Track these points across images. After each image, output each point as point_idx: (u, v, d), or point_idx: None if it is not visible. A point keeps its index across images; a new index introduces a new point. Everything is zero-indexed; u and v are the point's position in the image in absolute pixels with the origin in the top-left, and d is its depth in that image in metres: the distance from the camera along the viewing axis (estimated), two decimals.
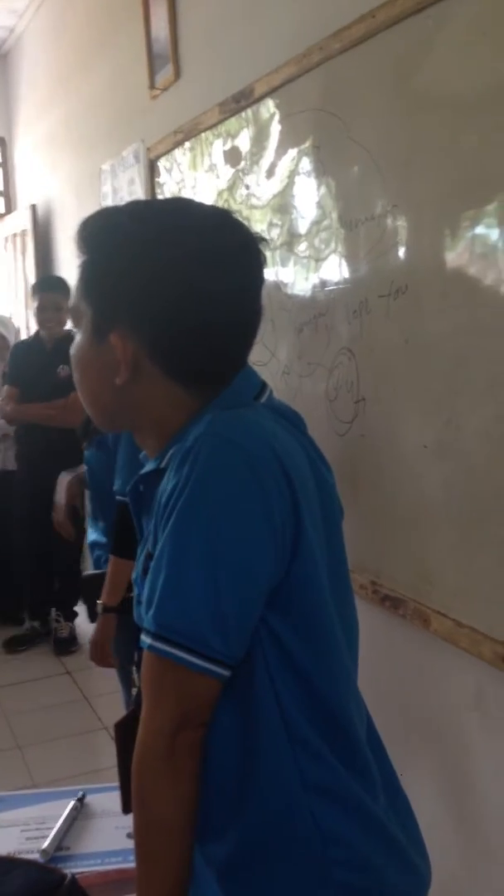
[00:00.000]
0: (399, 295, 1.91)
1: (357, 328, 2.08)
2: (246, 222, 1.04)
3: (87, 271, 1.02)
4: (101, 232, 1.02)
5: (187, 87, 2.99)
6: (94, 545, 2.39)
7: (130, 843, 1.32)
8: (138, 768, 0.94)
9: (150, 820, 0.94)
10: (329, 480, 1.05)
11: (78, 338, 1.06)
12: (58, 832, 1.31)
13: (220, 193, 2.81)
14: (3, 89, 5.63)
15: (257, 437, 0.94)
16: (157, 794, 0.93)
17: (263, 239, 1.03)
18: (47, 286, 4.27)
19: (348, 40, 1.97)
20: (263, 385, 1.06)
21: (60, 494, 2.47)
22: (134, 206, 1.04)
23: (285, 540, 0.93)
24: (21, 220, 5.26)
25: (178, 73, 3.03)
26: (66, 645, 4.28)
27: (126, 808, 1.11)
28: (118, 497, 2.19)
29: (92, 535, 2.41)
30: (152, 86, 3.24)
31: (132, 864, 1.26)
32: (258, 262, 1.02)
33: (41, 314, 4.18)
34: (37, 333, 4.36)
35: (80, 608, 4.63)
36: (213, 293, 0.98)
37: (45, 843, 1.28)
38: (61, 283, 4.30)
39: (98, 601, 2.22)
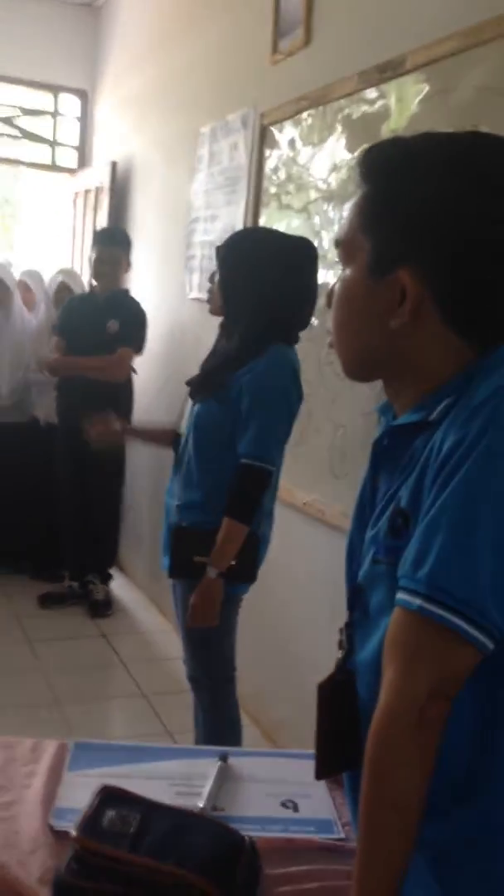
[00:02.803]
0: None
1: None
2: None
3: (373, 201, 0.96)
4: (397, 159, 0.95)
5: (318, 54, 2.91)
6: (187, 505, 2.28)
7: (288, 813, 1.28)
8: (380, 737, 0.88)
9: (386, 794, 0.87)
10: None
11: (347, 273, 0.99)
12: (211, 791, 1.25)
13: (336, 169, 2.74)
14: (92, 42, 5.53)
15: None
16: (400, 767, 0.87)
17: None
18: (108, 240, 4.17)
19: None
20: None
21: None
22: (431, 136, 0.97)
23: None
24: (97, 176, 5.16)
25: (308, 39, 2.95)
26: (102, 608, 4.21)
27: (320, 775, 1.05)
28: (243, 459, 2.12)
29: (184, 494, 2.29)
30: (275, 50, 3.16)
31: (296, 835, 1.22)
32: None
33: (98, 266, 4.08)
34: (92, 288, 4.27)
35: (116, 572, 4.59)
36: None
37: (202, 802, 1.22)
38: (123, 238, 4.22)
39: (194, 558, 2.14)
